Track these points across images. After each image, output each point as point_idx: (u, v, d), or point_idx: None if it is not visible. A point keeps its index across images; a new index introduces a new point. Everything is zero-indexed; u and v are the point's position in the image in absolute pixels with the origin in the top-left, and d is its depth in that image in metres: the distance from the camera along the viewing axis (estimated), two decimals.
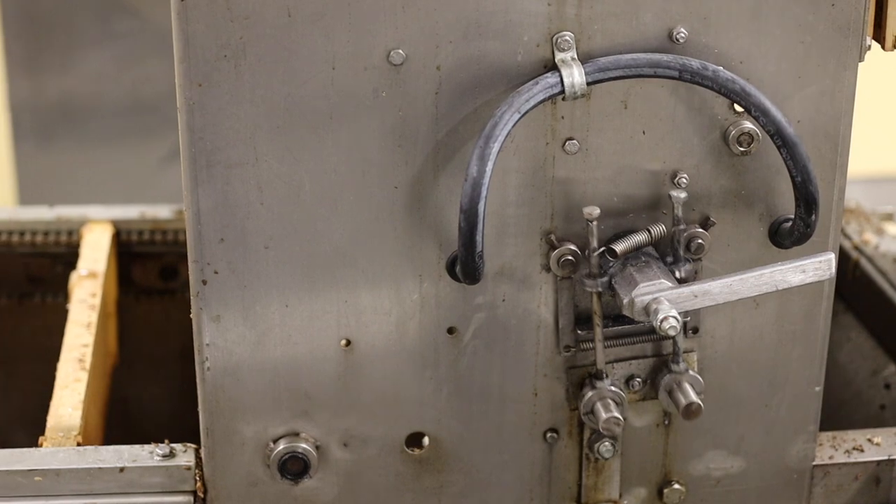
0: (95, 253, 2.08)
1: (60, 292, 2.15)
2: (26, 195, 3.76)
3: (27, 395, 2.25)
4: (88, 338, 1.87)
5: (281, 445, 1.52)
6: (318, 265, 1.46)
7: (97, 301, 1.95)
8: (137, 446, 1.56)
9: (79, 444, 1.63)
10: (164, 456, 1.54)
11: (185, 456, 1.55)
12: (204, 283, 1.45)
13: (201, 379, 1.49)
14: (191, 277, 1.46)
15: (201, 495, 1.54)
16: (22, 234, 2.14)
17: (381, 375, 1.52)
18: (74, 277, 2.00)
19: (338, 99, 1.41)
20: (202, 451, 1.53)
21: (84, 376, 1.78)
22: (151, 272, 2.14)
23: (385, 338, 1.50)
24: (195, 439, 1.56)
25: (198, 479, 1.54)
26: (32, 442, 1.62)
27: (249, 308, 1.47)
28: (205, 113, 1.40)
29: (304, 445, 1.53)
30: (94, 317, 1.91)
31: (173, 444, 1.56)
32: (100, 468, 1.53)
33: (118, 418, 2.02)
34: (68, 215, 2.13)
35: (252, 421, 1.51)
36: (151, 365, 2.24)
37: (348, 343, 1.50)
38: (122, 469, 1.53)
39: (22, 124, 3.76)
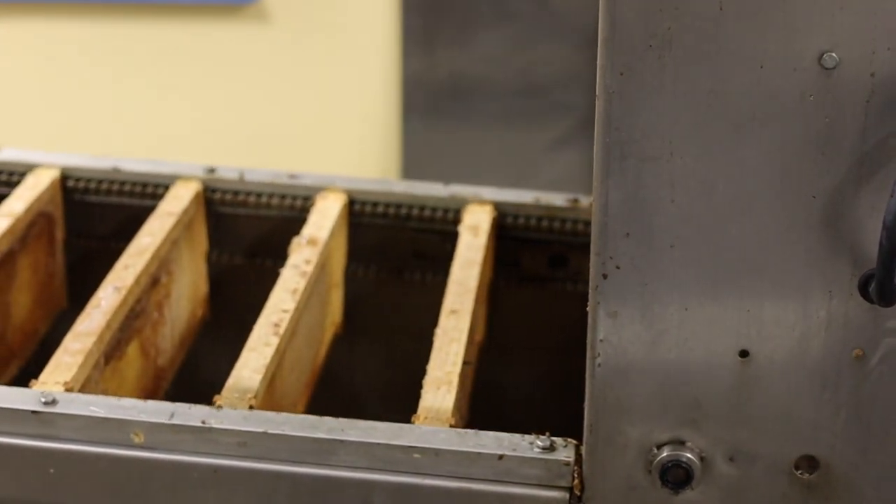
0: (322, 220, 2.07)
1: (440, 270, 2.15)
2: (411, 170, 3.81)
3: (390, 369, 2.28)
4: (290, 304, 1.85)
5: (665, 452, 1.47)
6: (723, 270, 1.41)
7: (310, 269, 1.94)
8: (518, 435, 1.54)
9: (251, 408, 1.62)
10: (545, 448, 1.52)
11: (565, 451, 1.52)
12: (604, 276, 1.41)
13: (591, 375, 1.45)
14: (591, 270, 1.42)
15: (578, 493, 1.50)
16: (411, 208, 2.15)
17: (777, 392, 1.45)
18: (294, 243, 2.00)
19: (763, 100, 1.35)
20: (583, 448, 1.50)
21: (275, 341, 1.77)
22: (540, 259, 2.12)
23: (786, 353, 1.43)
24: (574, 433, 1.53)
25: (576, 476, 1.51)
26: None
27: (647, 307, 1.42)
28: (623, 103, 1.36)
29: (688, 455, 1.47)
30: (302, 283, 1.90)
31: (554, 438, 1.53)
32: (479, 453, 1.52)
33: (485, 403, 1.99)
34: (462, 194, 2.13)
35: (638, 423, 1.47)
36: (524, 352, 2.23)
37: (745, 354, 1.44)
38: (500, 457, 1.51)
39: (413, 100, 3.81)
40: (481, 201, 2.12)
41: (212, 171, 2.19)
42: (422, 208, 2.14)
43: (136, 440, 1.56)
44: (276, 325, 1.80)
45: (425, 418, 1.61)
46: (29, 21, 3.87)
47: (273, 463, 1.54)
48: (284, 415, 1.57)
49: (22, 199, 2.13)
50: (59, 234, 2.22)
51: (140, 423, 1.56)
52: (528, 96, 3.77)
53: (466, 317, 1.84)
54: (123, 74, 3.92)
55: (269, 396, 1.73)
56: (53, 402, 1.58)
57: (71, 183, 2.22)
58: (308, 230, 2.04)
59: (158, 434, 1.56)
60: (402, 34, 3.78)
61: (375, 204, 2.16)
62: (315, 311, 2.00)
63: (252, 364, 1.72)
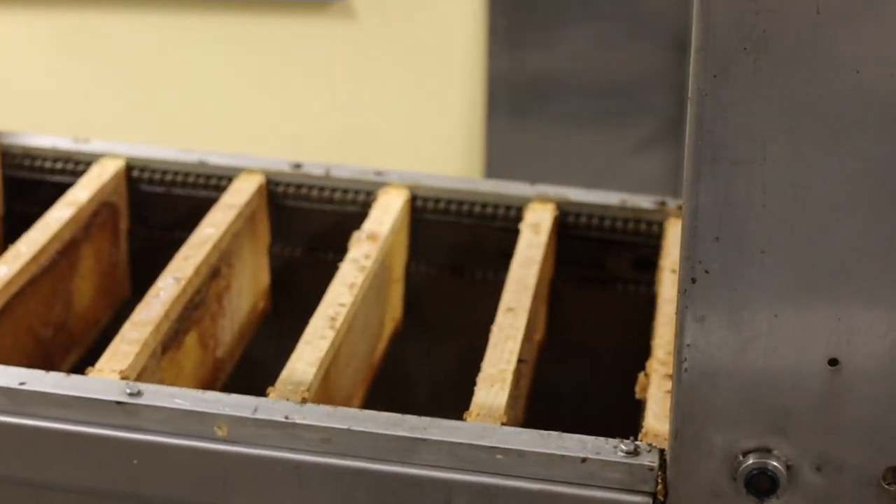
0: (383, 215, 2.06)
1: (501, 270, 2.15)
2: (495, 169, 3.81)
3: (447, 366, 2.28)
4: (348, 298, 1.85)
5: (750, 459, 1.46)
6: (815, 277, 1.39)
7: (369, 263, 1.94)
8: (602, 439, 1.53)
9: (304, 401, 1.61)
10: (628, 453, 1.50)
11: (649, 455, 1.51)
12: (693, 280, 1.40)
13: (677, 380, 1.44)
14: (679, 274, 1.41)
15: (661, 499, 1.49)
16: (473, 205, 2.15)
17: (867, 401, 1.42)
18: (354, 238, 2.00)
19: (859, 104, 1.32)
20: (667, 453, 1.49)
21: (331, 335, 1.77)
22: (626, 261, 2.10)
23: (876, 362, 1.41)
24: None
25: (660, 481, 1.49)
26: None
27: (736, 313, 1.41)
28: (716, 105, 1.34)
29: (774, 463, 1.45)
30: (360, 278, 1.90)
31: (637, 442, 1.52)
32: (562, 455, 1.51)
33: (540, 406, 1.98)
34: (548, 193, 2.11)
35: (724, 430, 1.45)
36: (592, 353, 2.21)
37: (835, 362, 1.41)
38: (583, 460, 1.50)
39: (498, 98, 3.80)
40: (542, 199, 2.11)
41: (298, 166, 2.20)
42: (483, 205, 2.14)
43: (220, 433, 1.57)
44: (333, 319, 1.80)
45: (477, 415, 1.60)
46: (117, 14, 3.90)
47: (355, 460, 1.54)
48: (367, 412, 1.57)
49: (86, 188, 2.14)
50: (124, 224, 2.24)
51: (224, 417, 1.56)
52: (613, 96, 3.75)
53: (523, 315, 1.83)
54: (209, 69, 3.94)
55: (324, 390, 1.73)
56: (138, 394, 1.59)
57: (136, 173, 2.23)
58: (368, 225, 2.04)
59: (242, 428, 1.56)
60: (489, 32, 3.77)
61: (437, 200, 2.15)
62: (373, 305, 2.00)
63: (307, 357, 1.72)
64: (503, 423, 1.59)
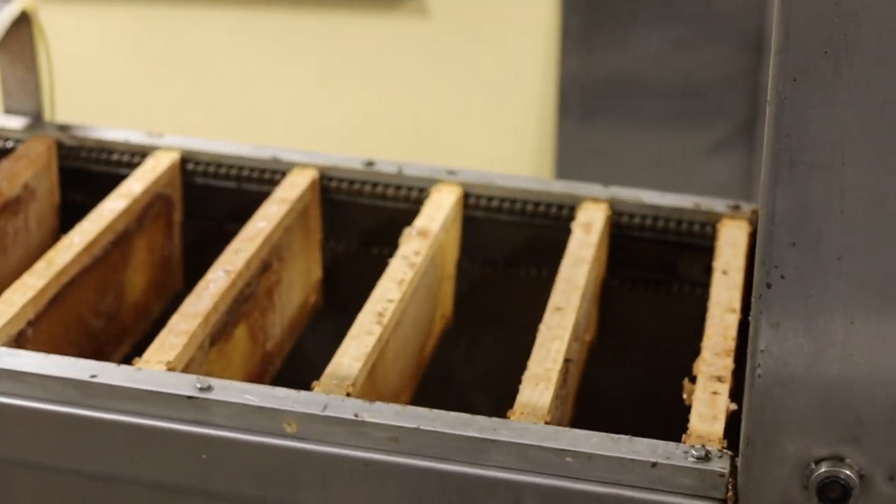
0: (435, 212, 2.05)
1: (554, 269, 2.14)
2: (565, 170, 3.79)
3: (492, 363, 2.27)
4: (396, 293, 1.85)
5: (822, 468, 1.44)
6: (892, 284, 1.37)
7: (419, 259, 1.93)
8: (672, 443, 1.51)
9: (348, 395, 1.61)
10: (699, 458, 1.49)
11: (720, 461, 1.49)
12: (768, 286, 1.38)
13: (750, 385, 1.43)
14: (755, 279, 1.39)
15: None
16: (535, 204, 2.14)
17: None
18: (405, 234, 2.00)
19: None
20: (738, 460, 1.47)
21: (378, 330, 1.76)
22: (698, 266, 2.09)
23: None
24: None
25: (730, 487, 1.48)
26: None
27: (811, 319, 1.39)
28: (795, 109, 1.33)
29: (847, 472, 1.43)
30: (409, 274, 1.89)
31: (709, 448, 1.51)
32: (632, 459, 1.50)
33: (589, 407, 1.96)
34: (622, 196, 2.10)
35: (796, 437, 1.44)
36: (657, 357, 2.19)
37: None
38: (654, 464, 1.49)
39: (569, 98, 3.79)
40: (595, 199, 2.10)
41: (370, 164, 2.20)
42: (536, 204, 2.13)
43: (289, 430, 1.57)
44: (380, 315, 1.80)
45: (521, 413, 1.60)
46: (190, 10, 3.92)
47: (424, 459, 1.54)
48: (436, 411, 1.56)
49: (140, 180, 2.15)
50: (178, 216, 2.25)
51: (293, 414, 1.56)
52: (686, 98, 3.73)
53: (572, 314, 1.82)
54: (280, 65, 3.96)
55: (369, 385, 1.73)
56: (209, 389, 1.59)
57: (191, 166, 2.24)
58: (420, 222, 2.04)
59: (311, 425, 1.56)
60: (561, 32, 3.76)
61: (491, 198, 2.15)
62: (423, 302, 2.00)
63: (352, 352, 1.72)
64: (547, 423, 1.58)
